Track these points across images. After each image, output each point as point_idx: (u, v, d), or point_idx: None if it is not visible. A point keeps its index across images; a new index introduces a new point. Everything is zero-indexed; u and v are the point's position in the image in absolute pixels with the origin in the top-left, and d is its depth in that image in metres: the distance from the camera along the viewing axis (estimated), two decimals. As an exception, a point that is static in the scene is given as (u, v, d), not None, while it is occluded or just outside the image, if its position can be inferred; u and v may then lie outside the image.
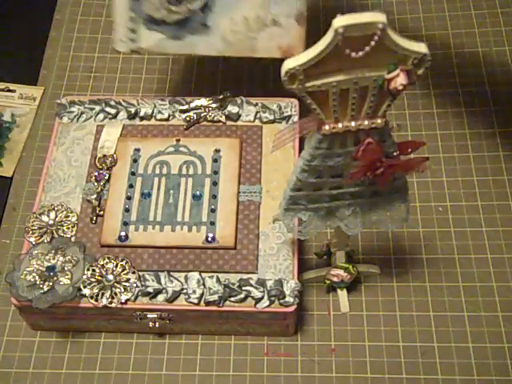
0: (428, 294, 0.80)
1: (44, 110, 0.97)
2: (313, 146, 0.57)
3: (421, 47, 0.50)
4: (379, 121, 0.55)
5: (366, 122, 0.55)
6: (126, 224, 0.74)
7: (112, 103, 0.83)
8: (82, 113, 0.83)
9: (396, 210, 0.66)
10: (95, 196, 0.76)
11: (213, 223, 0.74)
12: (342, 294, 0.79)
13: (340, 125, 0.55)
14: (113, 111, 0.83)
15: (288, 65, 0.50)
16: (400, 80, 0.50)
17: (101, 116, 0.83)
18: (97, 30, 1.05)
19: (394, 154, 0.59)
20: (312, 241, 0.83)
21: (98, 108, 0.83)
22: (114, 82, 0.99)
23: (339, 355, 0.76)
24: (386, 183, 0.61)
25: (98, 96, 0.85)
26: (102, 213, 0.75)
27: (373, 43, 0.48)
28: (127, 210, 0.75)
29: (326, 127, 0.55)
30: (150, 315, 0.72)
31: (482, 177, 0.88)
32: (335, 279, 0.76)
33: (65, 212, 0.76)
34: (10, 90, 0.98)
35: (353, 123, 0.55)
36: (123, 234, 0.74)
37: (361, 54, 0.48)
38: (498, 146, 0.91)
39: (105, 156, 0.79)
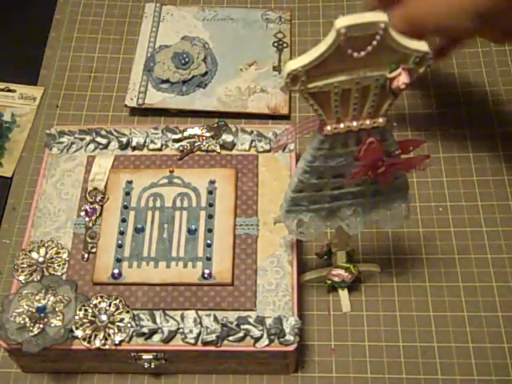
0: (428, 294, 0.78)
1: (44, 110, 0.96)
2: (314, 147, 0.56)
3: (422, 46, 0.50)
4: (381, 120, 0.55)
5: (368, 122, 0.54)
6: (119, 261, 0.72)
7: (103, 133, 0.81)
8: (72, 143, 0.81)
9: (397, 209, 0.65)
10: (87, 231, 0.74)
11: (209, 259, 0.72)
12: (343, 294, 0.78)
13: (342, 125, 0.54)
14: (104, 141, 0.80)
15: (290, 66, 0.49)
16: (402, 79, 0.51)
17: (91, 146, 0.80)
18: (97, 30, 1.04)
19: (396, 152, 0.59)
20: (312, 241, 0.81)
21: (88, 138, 0.81)
22: (114, 82, 0.98)
23: (339, 355, 0.75)
24: (388, 182, 0.61)
25: (88, 126, 0.83)
26: (94, 250, 0.73)
27: (375, 43, 0.48)
28: (120, 246, 0.73)
29: (328, 128, 0.54)
30: (145, 356, 0.69)
31: (482, 177, 0.87)
32: (336, 279, 0.75)
33: (55, 248, 0.73)
34: (10, 90, 0.97)
35: (354, 123, 0.54)
36: (116, 271, 0.71)
37: (363, 53, 0.48)
38: (497, 146, 0.89)
39: (96, 189, 0.76)
